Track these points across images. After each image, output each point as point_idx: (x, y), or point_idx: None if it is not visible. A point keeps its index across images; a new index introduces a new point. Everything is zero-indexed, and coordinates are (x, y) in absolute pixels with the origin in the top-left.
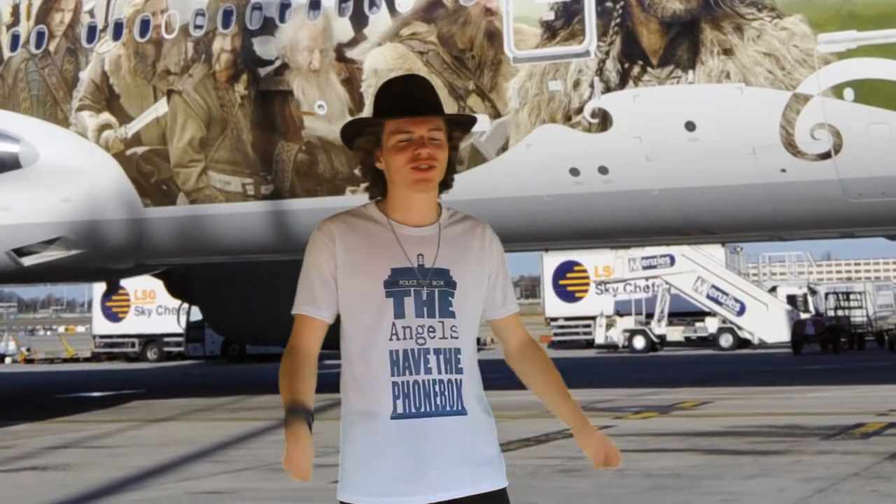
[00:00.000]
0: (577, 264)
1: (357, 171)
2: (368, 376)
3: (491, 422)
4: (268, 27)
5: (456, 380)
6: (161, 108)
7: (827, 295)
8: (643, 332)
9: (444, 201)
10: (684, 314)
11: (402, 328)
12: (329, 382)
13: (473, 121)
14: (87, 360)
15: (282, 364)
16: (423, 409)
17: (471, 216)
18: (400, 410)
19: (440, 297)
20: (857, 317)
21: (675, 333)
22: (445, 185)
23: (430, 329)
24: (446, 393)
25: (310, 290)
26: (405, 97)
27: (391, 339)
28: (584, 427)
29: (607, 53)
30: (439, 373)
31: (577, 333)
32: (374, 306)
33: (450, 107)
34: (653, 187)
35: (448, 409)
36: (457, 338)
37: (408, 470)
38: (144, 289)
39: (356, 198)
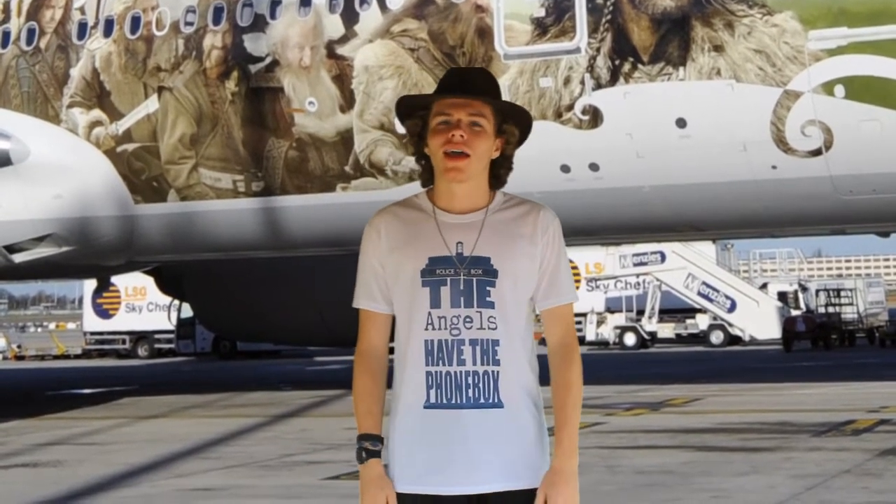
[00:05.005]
0: (568, 261)
1: (350, 163)
2: (408, 365)
3: (535, 418)
4: (258, 24)
5: (492, 371)
6: (152, 104)
7: (818, 292)
8: (634, 329)
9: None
10: (675, 311)
11: (437, 318)
12: (325, 380)
13: (525, 114)
14: (77, 356)
15: (355, 371)
16: (454, 401)
17: (529, 201)
18: (433, 400)
19: (478, 287)
20: (848, 313)
21: (666, 330)
22: (497, 179)
23: (467, 319)
24: (480, 385)
25: (366, 284)
26: (456, 80)
27: (427, 329)
28: (555, 471)
29: (598, 50)
30: (474, 364)
31: None
32: (412, 296)
33: None
34: (643, 184)
35: (482, 401)
36: (495, 328)
37: (435, 460)
38: (135, 286)
39: (347, 195)
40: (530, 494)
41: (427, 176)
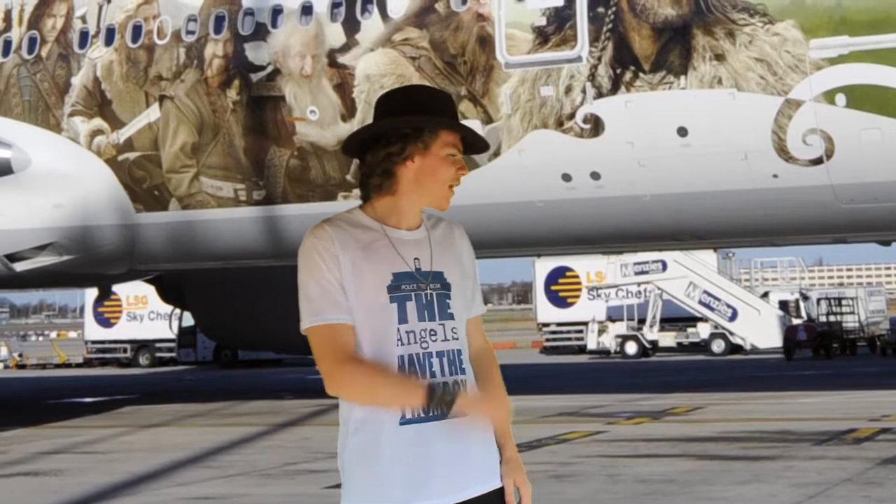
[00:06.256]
0: (569, 270)
1: (352, 172)
2: None
3: (489, 421)
4: (260, 33)
5: (460, 381)
6: (153, 113)
7: (819, 300)
8: (635, 338)
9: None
10: (676, 320)
11: (406, 333)
12: (309, 388)
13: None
14: (79, 365)
15: (354, 372)
16: (429, 413)
17: (443, 218)
18: (409, 416)
19: (439, 300)
20: (849, 322)
21: (667, 339)
22: None
23: (432, 332)
24: None
25: (330, 297)
26: (452, 111)
27: (398, 345)
28: (511, 459)
29: (599, 59)
30: (443, 375)
31: (570, 339)
32: (378, 313)
33: None
34: (645, 193)
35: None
36: (457, 339)
37: (417, 476)
38: (136, 294)
39: (349, 203)
40: (502, 491)
41: (377, 190)
